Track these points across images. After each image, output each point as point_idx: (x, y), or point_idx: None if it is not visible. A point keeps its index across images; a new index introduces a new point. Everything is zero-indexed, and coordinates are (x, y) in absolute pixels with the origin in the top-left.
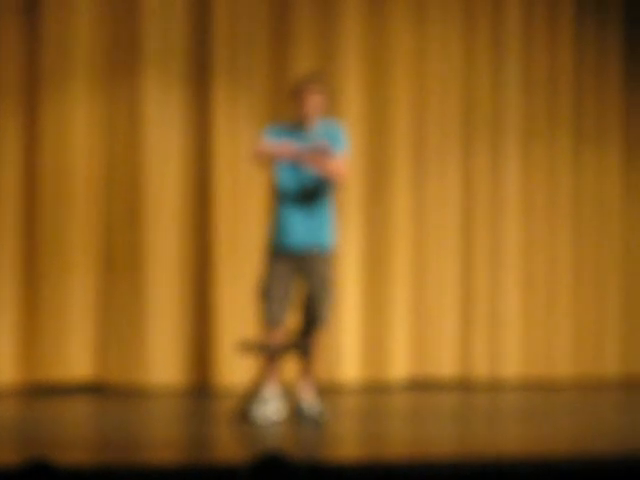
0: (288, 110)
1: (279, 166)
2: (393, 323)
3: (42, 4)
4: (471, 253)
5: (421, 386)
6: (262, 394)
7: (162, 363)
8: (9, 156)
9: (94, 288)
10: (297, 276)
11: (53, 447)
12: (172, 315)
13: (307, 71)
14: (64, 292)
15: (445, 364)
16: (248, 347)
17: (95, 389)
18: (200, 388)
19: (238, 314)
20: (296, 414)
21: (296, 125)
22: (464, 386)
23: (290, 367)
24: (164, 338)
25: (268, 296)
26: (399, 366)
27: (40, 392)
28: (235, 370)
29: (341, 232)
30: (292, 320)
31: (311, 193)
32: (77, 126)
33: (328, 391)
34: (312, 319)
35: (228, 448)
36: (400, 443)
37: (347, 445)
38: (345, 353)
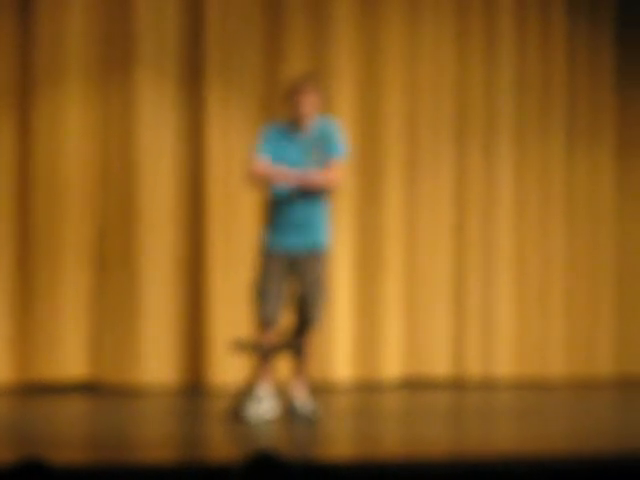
0: (281, 111)
1: (277, 159)
2: (386, 322)
3: (36, 4)
4: (464, 253)
5: (414, 385)
6: (255, 393)
7: (156, 362)
8: (2, 156)
9: (88, 287)
10: (291, 276)
11: (47, 446)
12: (166, 314)
13: (300, 72)
14: (58, 291)
15: (438, 363)
16: (241, 346)
17: (89, 388)
18: (193, 387)
19: (231, 313)
20: (289, 413)
21: (292, 126)
22: (457, 385)
23: (283, 366)
24: (158, 337)
25: (262, 296)
26: (392, 365)
27: (34, 391)
28: (228, 369)
29: (334, 232)
30: (285, 320)
31: (306, 194)
32: (71, 126)
33: (321, 390)
34: (305, 319)
35: (221, 447)
36: (393, 442)
37: (340, 444)
38: (338, 352)
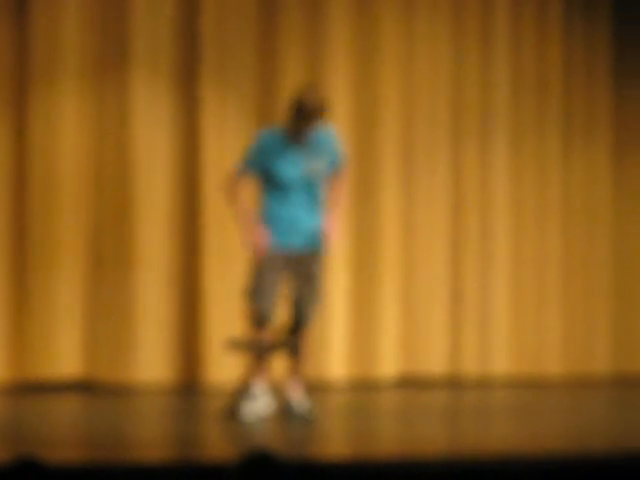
0: (277, 110)
1: (275, 168)
2: (382, 320)
3: (31, 3)
4: (460, 251)
5: (410, 384)
6: (251, 392)
7: (151, 361)
8: None
9: (83, 286)
10: (286, 275)
11: (42, 445)
12: (161, 313)
13: (306, 85)
14: (53, 290)
15: (434, 361)
16: (236, 345)
17: (84, 387)
18: (189, 386)
19: (227, 312)
20: (285, 412)
21: (289, 133)
22: (453, 384)
23: (279, 365)
24: (153, 336)
25: (257, 294)
26: (388, 363)
27: (29, 390)
28: (224, 368)
29: None
30: (281, 318)
31: (304, 194)
32: (66, 124)
33: (317, 389)
34: (301, 318)
35: (217, 446)
36: (389, 441)
37: (336, 443)
38: (334, 350)
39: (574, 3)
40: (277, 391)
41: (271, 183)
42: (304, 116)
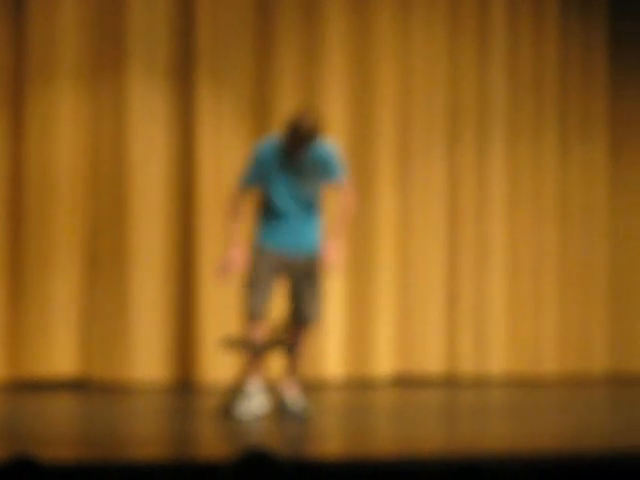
0: (274, 109)
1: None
2: (378, 319)
3: (28, 1)
4: (457, 250)
5: (406, 382)
6: (246, 390)
7: (146, 359)
8: None
9: (78, 284)
10: (283, 276)
11: (37, 443)
12: (156, 312)
13: (302, 109)
14: (49, 288)
15: (431, 360)
16: (232, 343)
17: (79, 385)
18: (184, 384)
19: (221, 311)
20: (280, 410)
21: (286, 152)
22: (450, 382)
23: (274, 363)
24: (148, 334)
25: (251, 291)
26: (384, 362)
27: (24, 388)
28: (219, 366)
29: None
30: (276, 317)
31: (299, 206)
32: (62, 122)
33: (313, 387)
34: (300, 317)
35: (212, 444)
36: (385, 439)
37: (331, 441)
38: (330, 349)
39: (570, 1)
40: (272, 389)
41: (267, 195)
42: (299, 139)
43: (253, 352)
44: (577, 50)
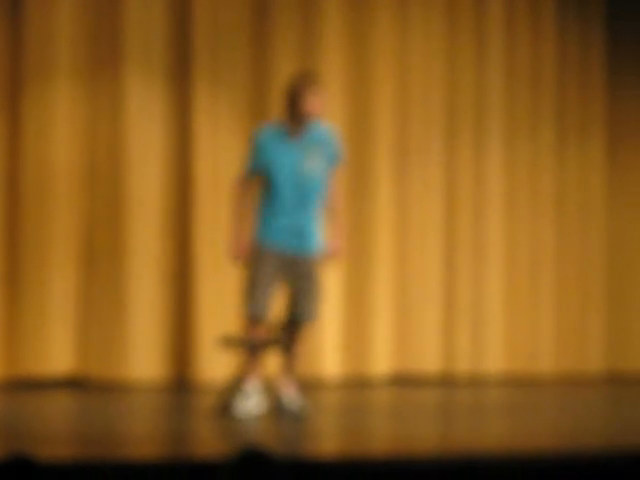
0: (271, 108)
1: (271, 164)
2: (375, 318)
3: (25, 1)
4: (454, 248)
5: (403, 381)
6: (243, 389)
7: (143, 358)
8: None
9: (75, 283)
10: (282, 274)
11: (34, 442)
12: (153, 310)
13: (298, 71)
14: (45, 287)
15: (428, 359)
16: (229, 342)
17: (76, 384)
18: (181, 383)
19: (219, 310)
20: (277, 409)
21: (287, 127)
22: (447, 382)
23: (272, 362)
24: (145, 333)
25: (252, 291)
26: (381, 361)
27: (21, 387)
28: (216, 365)
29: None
30: (274, 316)
31: (300, 195)
32: (59, 122)
33: (310, 386)
34: (297, 316)
35: (209, 443)
36: (382, 438)
37: (329, 440)
38: (327, 348)
39: (568, 0)
40: (270, 388)
41: (268, 183)
42: (302, 91)
43: (250, 351)
44: (574, 49)
